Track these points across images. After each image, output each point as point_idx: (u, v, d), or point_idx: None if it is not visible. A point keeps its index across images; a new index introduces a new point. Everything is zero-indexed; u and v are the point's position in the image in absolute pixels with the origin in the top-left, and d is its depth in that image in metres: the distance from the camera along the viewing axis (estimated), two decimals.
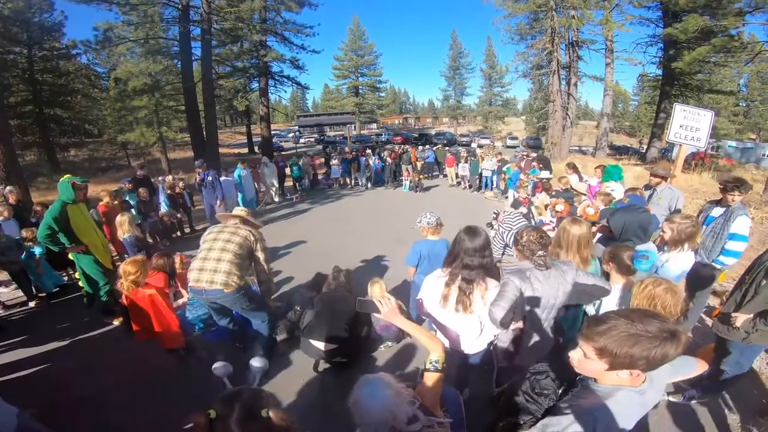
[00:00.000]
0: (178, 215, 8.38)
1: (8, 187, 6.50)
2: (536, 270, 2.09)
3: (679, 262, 2.85)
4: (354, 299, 2.95)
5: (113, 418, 2.97)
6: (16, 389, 3.32)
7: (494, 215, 4.24)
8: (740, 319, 2.56)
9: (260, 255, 3.33)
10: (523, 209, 5.16)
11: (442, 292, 2.19)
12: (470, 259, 2.11)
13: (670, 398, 2.96)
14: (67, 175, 4.25)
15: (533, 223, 5.46)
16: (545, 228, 4.33)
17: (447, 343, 2.33)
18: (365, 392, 1.66)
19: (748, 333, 2.50)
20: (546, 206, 5.59)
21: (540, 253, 2.12)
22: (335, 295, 3.44)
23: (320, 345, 3.23)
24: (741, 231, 3.40)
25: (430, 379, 1.60)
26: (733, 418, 2.82)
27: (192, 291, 3.18)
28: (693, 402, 2.93)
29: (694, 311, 3.79)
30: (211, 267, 3.03)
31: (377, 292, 3.74)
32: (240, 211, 3.57)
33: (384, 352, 3.75)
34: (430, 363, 1.62)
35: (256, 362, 1.46)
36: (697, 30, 17.08)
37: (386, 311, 1.68)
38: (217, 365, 1.47)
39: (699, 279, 3.64)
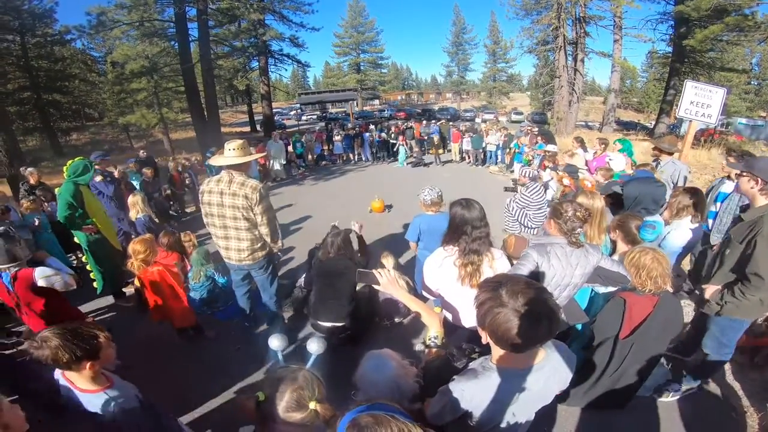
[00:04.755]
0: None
1: (29, 168, 6.50)
2: (558, 246, 2.04)
3: (680, 234, 2.85)
4: (355, 269, 2.97)
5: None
6: None
7: (513, 183, 4.17)
8: (709, 290, 2.45)
9: (260, 218, 3.05)
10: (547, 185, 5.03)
11: (459, 273, 2.13)
12: (478, 231, 2.09)
13: (659, 398, 2.80)
14: (79, 158, 4.22)
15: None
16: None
17: (453, 319, 2.33)
18: (371, 366, 1.65)
19: (720, 305, 2.39)
20: (560, 179, 5.46)
21: (579, 230, 2.07)
22: (335, 271, 3.28)
23: (327, 324, 3.28)
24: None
25: (434, 355, 1.60)
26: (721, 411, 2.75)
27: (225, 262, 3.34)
28: (678, 397, 2.79)
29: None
30: (235, 246, 3.14)
31: (389, 265, 3.75)
32: (230, 153, 2.96)
33: (390, 329, 3.79)
34: (430, 340, 1.61)
35: (314, 345, 1.42)
36: (710, 8, 16.69)
37: (385, 282, 1.66)
38: (273, 337, 1.45)
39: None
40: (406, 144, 13.81)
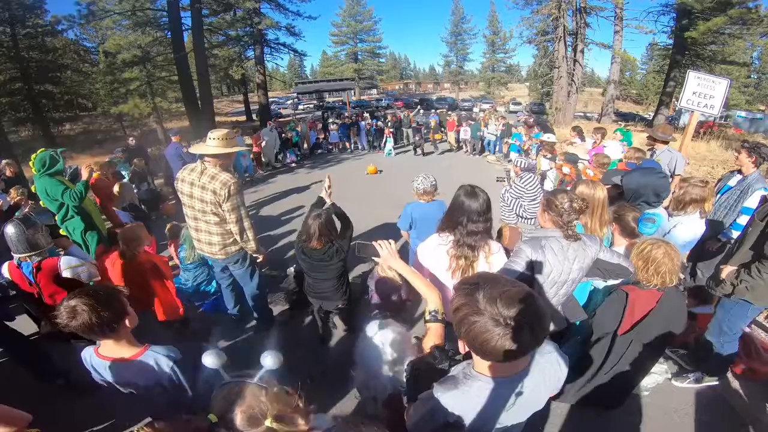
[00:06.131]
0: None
1: (4, 161, 6.44)
2: (554, 240, 1.91)
3: (688, 228, 2.72)
4: (341, 257, 2.90)
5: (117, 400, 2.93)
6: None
7: (506, 174, 4.09)
8: (726, 270, 2.42)
9: (228, 215, 2.84)
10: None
11: (450, 264, 2.02)
12: (474, 225, 1.95)
13: (674, 382, 2.81)
14: (42, 150, 3.99)
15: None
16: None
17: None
18: (375, 333, 1.58)
19: (734, 285, 2.34)
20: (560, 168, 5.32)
21: (576, 222, 1.94)
22: (321, 265, 3.02)
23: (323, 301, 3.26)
24: (756, 206, 3.10)
25: (434, 329, 1.52)
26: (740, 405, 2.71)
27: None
28: (699, 386, 2.78)
29: (703, 282, 3.67)
30: (206, 239, 3.02)
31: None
32: (211, 143, 2.79)
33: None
34: (430, 314, 1.55)
35: (268, 359, 1.28)
36: (713, 0, 16.59)
37: (385, 254, 1.64)
38: (206, 355, 1.30)
39: (705, 251, 3.47)
40: (402, 133, 13.61)
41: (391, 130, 13.82)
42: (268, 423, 1.03)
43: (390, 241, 1.66)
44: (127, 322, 1.57)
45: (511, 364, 1.05)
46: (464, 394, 1.08)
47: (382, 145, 14.05)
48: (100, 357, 1.59)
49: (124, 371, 1.59)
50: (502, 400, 1.09)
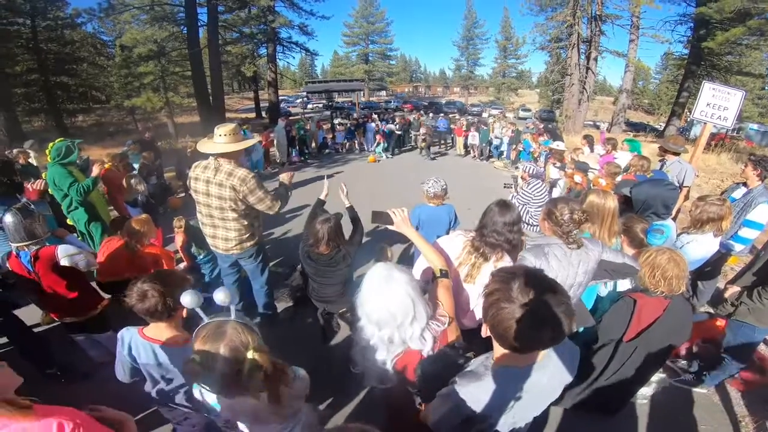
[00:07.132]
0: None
1: (16, 149, 6.45)
2: (556, 246, 1.92)
3: (701, 246, 2.66)
4: (348, 262, 2.89)
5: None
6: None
7: (513, 180, 4.07)
8: (730, 290, 2.44)
9: (259, 206, 2.92)
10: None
11: (460, 254, 2.10)
12: (497, 234, 2.00)
13: (672, 381, 2.84)
14: (60, 139, 4.09)
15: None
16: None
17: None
18: (382, 274, 1.44)
19: (735, 306, 2.35)
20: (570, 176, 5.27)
21: (576, 231, 1.95)
22: (328, 270, 2.98)
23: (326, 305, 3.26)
24: (759, 219, 3.18)
25: (445, 283, 1.67)
26: (740, 410, 2.72)
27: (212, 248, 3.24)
28: (696, 390, 2.81)
29: (703, 295, 3.64)
30: (222, 235, 3.02)
31: (387, 256, 3.68)
32: (220, 139, 2.81)
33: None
34: (441, 272, 1.70)
35: (221, 295, 1.31)
36: (733, 11, 16.46)
37: (398, 220, 1.79)
38: (185, 294, 1.32)
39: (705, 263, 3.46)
40: (410, 136, 13.67)
41: (399, 132, 13.79)
42: (249, 355, 1.09)
43: (403, 208, 1.81)
44: (183, 313, 1.65)
45: (529, 356, 1.08)
46: (487, 386, 1.11)
47: (374, 147, 14.14)
48: (146, 338, 1.62)
49: (171, 355, 1.62)
50: (522, 389, 1.12)
